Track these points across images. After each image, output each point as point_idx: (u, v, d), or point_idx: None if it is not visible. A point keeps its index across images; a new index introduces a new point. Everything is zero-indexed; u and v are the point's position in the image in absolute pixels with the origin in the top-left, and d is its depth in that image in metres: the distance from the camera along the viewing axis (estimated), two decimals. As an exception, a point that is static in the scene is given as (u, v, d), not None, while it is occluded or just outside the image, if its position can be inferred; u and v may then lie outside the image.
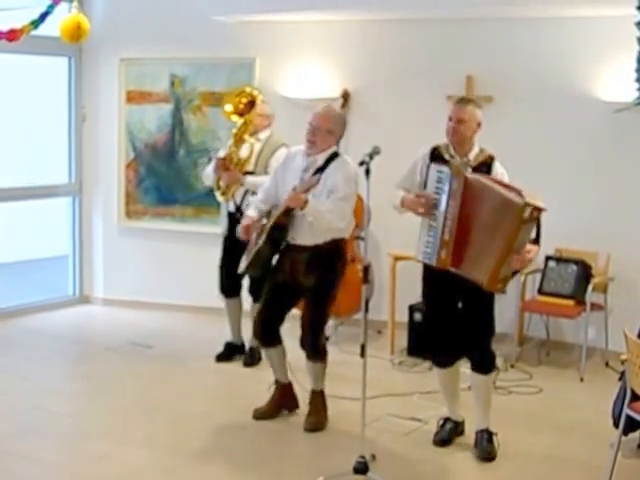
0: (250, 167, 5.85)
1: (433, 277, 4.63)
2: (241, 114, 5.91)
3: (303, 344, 4.95)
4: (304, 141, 4.87)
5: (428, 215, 4.47)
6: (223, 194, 5.94)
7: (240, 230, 5.03)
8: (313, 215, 4.69)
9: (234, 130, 5.93)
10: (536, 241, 4.34)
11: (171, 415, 5.19)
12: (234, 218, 5.90)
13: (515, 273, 4.37)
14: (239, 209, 5.89)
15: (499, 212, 4.21)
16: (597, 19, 6.14)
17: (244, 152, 5.88)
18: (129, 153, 7.63)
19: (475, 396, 4.72)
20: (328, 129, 4.81)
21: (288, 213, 4.80)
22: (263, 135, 5.95)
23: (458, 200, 4.34)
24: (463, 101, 4.60)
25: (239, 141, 5.89)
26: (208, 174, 6.03)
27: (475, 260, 4.30)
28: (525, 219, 4.15)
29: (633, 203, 6.26)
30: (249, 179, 5.80)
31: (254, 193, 5.74)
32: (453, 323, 4.64)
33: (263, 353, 5.25)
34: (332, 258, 4.87)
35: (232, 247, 5.97)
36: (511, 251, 4.20)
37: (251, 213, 5.04)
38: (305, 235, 4.82)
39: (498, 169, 4.53)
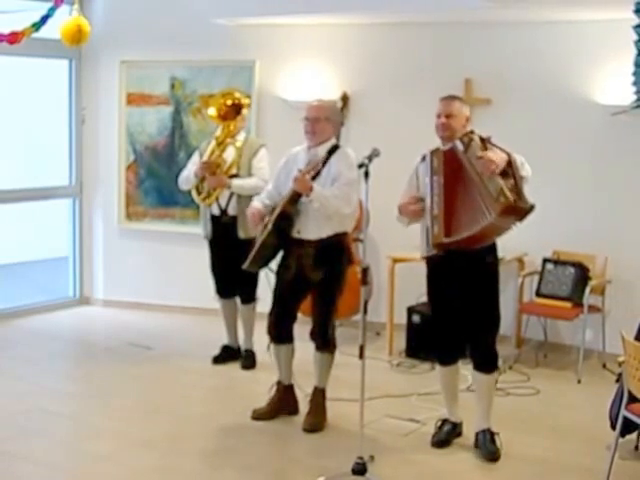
0: (233, 170, 5.86)
1: (437, 275, 4.69)
2: (224, 118, 5.92)
3: (313, 335, 5.00)
4: (304, 138, 4.94)
5: (418, 209, 4.56)
6: (205, 199, 5.91)
7: (249, 215, 5.06)
8: (320, 201, 4.74)
9: (217, 134, 5.94)
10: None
11: (171, 416, 5.20)
12: (220, 222, 5.92)
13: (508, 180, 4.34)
14: (225, 212, 5.91)
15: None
16: (595, 22, 6.16)
17: (230, 155, 5.88)
18: (129, 155, 7.64)
19: (477, 396, 4.74)
20: (326, 117, 4.92)
21: (294, 201, 4.84)
22: (240, 137, 5.95)
23: (441, 175, 4.47)
24: (450, 97, 4.71)
25: (222, 145, 5.90)
26: (188, 179, 5.97)
27: (468, 218, 4.35)
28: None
29: (631, 206, 6.28)
30: (236, 182, 5.80)
31: (239, 196, 5.78)
32: (458, 320, 4.66)
33: (271, 350, 5.25)
34: (337, 251, 4.93)
35: (219, 249, 6.00)
36: (483, 179, 4.28)
37: (256, 204, 5.08)
38: (310, 228, 4.86)
39: None
